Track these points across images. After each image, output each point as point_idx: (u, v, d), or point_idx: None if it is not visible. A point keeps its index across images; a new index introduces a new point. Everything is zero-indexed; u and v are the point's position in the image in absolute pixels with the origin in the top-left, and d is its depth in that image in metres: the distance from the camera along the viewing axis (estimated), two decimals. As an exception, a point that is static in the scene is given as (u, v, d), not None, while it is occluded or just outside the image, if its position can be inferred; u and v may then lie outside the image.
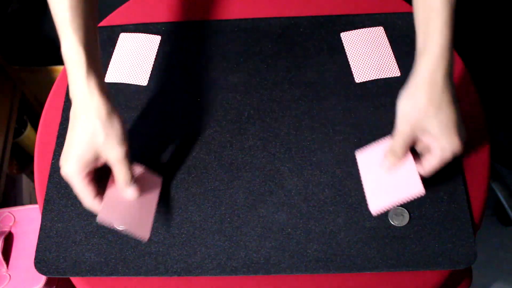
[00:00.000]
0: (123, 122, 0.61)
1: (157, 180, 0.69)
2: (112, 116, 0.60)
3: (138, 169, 0.66)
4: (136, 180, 0.63)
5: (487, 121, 0.74)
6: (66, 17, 0.59)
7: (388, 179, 0.64)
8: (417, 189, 0.61)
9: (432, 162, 0.60)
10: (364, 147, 0.68)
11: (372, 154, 0.67)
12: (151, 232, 0.64)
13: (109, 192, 0.62)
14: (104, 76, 0.61)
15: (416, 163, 0.62)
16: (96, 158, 0.60)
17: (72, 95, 0.60)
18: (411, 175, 0.62)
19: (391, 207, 0.63)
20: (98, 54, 0.62)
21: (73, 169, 0.59)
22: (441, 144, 0.57)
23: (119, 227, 0.62)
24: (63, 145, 0.73)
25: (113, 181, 0.63)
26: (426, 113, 0.57)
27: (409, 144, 0.61)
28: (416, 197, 0.62)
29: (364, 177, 0.66)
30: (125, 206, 0.63)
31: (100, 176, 0.63)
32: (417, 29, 0.60)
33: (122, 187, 0.62)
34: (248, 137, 0.73)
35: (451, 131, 0.57)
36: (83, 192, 0.61)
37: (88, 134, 0.59)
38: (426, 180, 0.67)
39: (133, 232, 0.63)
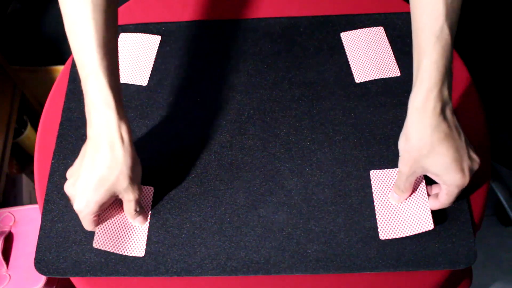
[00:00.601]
0: (139, 161, 0.62)
1: (148, 191, 0.69)
2: (137, 163, 0.61)
3: None
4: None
5: (487, 121, 0.74)
6: (94, 57, 0.56)
7: (400, 207, 0.65)
8: (428, 226, 0.63)
9: (442, 197, 0.61)
10: (379, 169, 0.68)
11: (387, 176, 0.68)
12: (145, 247, 0.66)
13: (103, 220, 0.64)
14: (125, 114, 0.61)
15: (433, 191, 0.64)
16: (112, 199, 0.61)
17: (95, 134, 0.58)
18: (423, 209, 0.64)
19: (400, 237, 0.64)
20: (122, 98, 0.60)
21: (89, 210, 0.60)
22: (443, 181, 0.58)
23: (113, 251, 0.64)
24: (63, 145, 0.73)
25: (109, 209, 0.65)
26: (420, 155, 0.57)
27: (412, 182, 0.62)
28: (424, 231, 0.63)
29: (377, 199, 0.67)
30: (118, 231, 0.65)
31: None
32: (413, 57, 0.59)
33: (132, 218, 0.65)
34: (248, 137, 0.73)
35: (450, 167, 0.56)
36: (88, 225, 0.63)
37: (113, 179, 0.58)
38: (425, 179, 0.67)
39: (128, 254, 0.65)
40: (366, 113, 0.73)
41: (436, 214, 0.65)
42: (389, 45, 0.79)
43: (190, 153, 0.72)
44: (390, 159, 0.69)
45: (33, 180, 0.76)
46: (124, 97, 0.77)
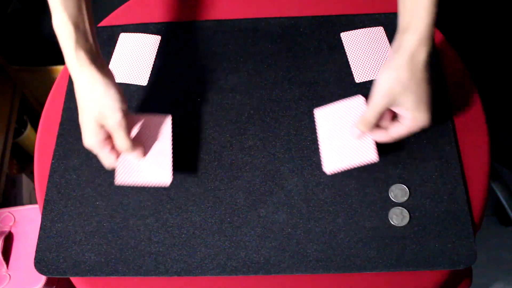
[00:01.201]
0: (118, 88, 0.63)
1: (166, 120, 0.69)
2: (104, 84, 0.62)
3: (142, 117, 0.68)
4: (143, 127, 0.66)
5: (487, 121, 0.73)
6: None
7: (344, 141, 0.66)
8: (372, 157, 0.64)
9: (400, 130, 0.62)
10: (324, 105, 0.69)
11: (331, 112, 0.68)
12: (172, 175, 0.66)
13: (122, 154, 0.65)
14: (97, 48, 0.64)
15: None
16: (102, 126, 0.63)
17: (68, 69, 0.63)
18: (367, 142, 0.65)
19: (345, 169, 0.65)
20: (87, 28, 0.63)
21: (91, 142, 0.63)
22: (413, 116, 0.61)
23: (139, 184, 0.64)
24: (63, 145, 0.74)
25: None
26: (406, 88, 0.60)
27: (381, 114, 0.63)
28: (369, 163, 0.65)
29: (321, 135, 0.67)
30: (138, 162, 0.65)
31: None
32: (401, 5, 0.62)
33: (124, 152, 0.65)
34: (248, 137, 0.73)
35: (425, 106, 0.60)
36: (107, 159, 0.64)
37: (87, 106, 0.62)
38: (425, 179, 0.67)
39: (154, 183, 0.65)
40: (366, 113, 0.73)
41: (436, 214, 0.65)
42: (389, 45, 0.79)
43: (190, 153, 0.72)
44: (390, 159, 0.69)
45: (33, 180, 0.76)
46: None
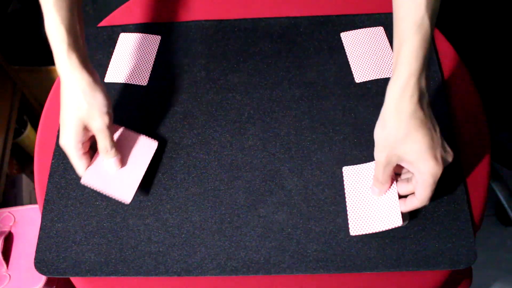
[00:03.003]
0: (107, 94, 0.65)
1: (152, 145, 0.70)
2: (94, 88, 0.64)
3: (132, 133, 0.70)
4: (129, 142, 0.68)
5: (487, 121, 0.74)
6: None
7: (371, 204, 0.65)
8: (397, 222, 0.62)
9: (418, 191, 0.59)
10: (352, 165, 0.68)
11: (359, 172, 0.67)
12: (134, 196, 0.67)
13: (99, 157, 0.67)
14: (86, 53, 0.66)
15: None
16: (85, 128, 0.64)
17: (58, 71, 0.64)
18: (393, 206, 0.63)
19: (369, 233, 0.64)
20: (78, 31, 0.65)
21: (67, 141, 0.64)
22: (418, 169, 0.58)
23: (102, 190, 0.66)
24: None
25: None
26: (396, 141, 0.57)
27: (390, 171, 0.61)
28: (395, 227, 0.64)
29: (348, 195, 0.66)
30: (111, 172, 0.67)
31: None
32: (393, 42, 0.59)
33: (103, 156, 0.66)
34: (248, 137, 0.73)
35: (424, 154, 0.56)
36: (77, 163, 0.66)
37: (74, 106, 0.63)
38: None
39: (115, 196, 0.66)
40: (366, 113, 0.73)
41: (436, 214, 0.65)
42: (389, 45, 0.79)
43: (190, 153, 0.72)
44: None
45: (33, 180, 0.77)
46: (124, 97, 0.77)
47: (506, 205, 1.22)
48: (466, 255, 0.63)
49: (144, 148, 0.69)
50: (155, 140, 0.70)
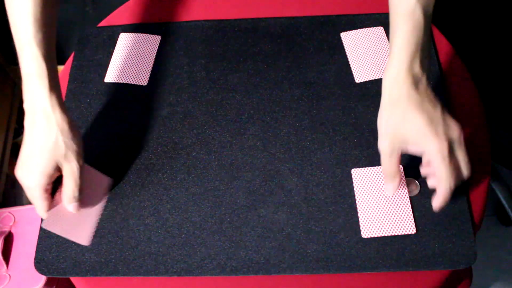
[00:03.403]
0: (82, 139, 0.64)
1: (106, 181, 0.69)
2: (73, 130, 0.62)
3: (88, 169, 0.68)
4: (86, 179, 0.65)
5: (487, 120, 0.74)
6: (29, 30, 0.60)
7: (383, 207, 0.65)
8: (410, 229, 0.64)
9: (436, 172, 0.57)
10: (361, 167, 0.69)
11: (369, 174, 0.68)
12: (92, 238, 0.67)
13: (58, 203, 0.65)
14: (61, 90, 0.65)
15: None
16: (56, 169, 0.62)
17: (30, 106, 0.61)
18: (405, 212, 0.64)
19: (381, 236, 0.64)
20: (57, 69, 0.64)
21: (36, 182, 0.61)
22: (423, 148, 0.57)
23: (61, 235, 0.66)
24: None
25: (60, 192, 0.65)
26: (395, 126, 0.58)
27: (397, 160, 0.60)
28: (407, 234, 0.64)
29: (359, 197, 0.67)
30: (69, 215, 0.65)
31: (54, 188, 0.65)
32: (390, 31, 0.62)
33: (66, 200, 0.63)
34: (248, 137, 0.73)
35: (425, 132, 0.56)
36: (40, 204, 0.63)
37: (50, 145, 0.61)
38: (425, 179, 0.67)
39: (74, 240, 0.66)
40: (366, 113, 0.73)
41: (436, 214, 0.65)
42: (389, 45, 0.79)
43: (190, 153, 0.72)
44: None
45: (33, 180, 0.76)
46: (124, 97, 0.77)
47: (506, 205, 1.22)
48: (466, 255, 0.63)
49: (100, 185, 0.69)
50: (110, 178, 0.70)
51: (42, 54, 0.60)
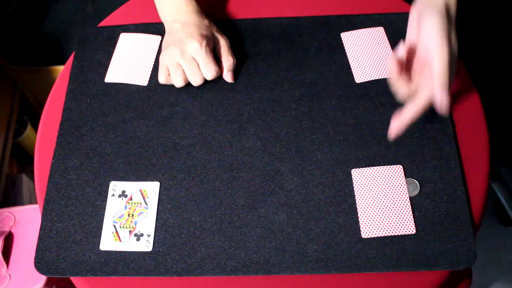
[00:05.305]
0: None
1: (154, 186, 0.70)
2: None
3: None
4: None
5: (487, 121, 0.74)
6: None
7: (382, 207, 0.66)
8: (410, 230, 0.64)
9: (430, 45, 0.62)
10: (361, 168, 0.69)
11: (368, 174, 0.68)
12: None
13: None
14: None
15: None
16: (212, 37, 0.75)
17: (169, 18, 0.77)
18: (405, 212, 0.65)
19: (381, 236, 0.65)
20: None
21: (199, 43, 0.73)
22: (424, 17, 0.63)
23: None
24: (63, 145, 0.74)
25: None
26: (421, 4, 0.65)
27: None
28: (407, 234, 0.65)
29: (358, 197, 0.67)
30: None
31: None
32: None
33: (226, 69, 0.76)
34: (248, 137, 0.73)
35: (440, 34, 0.62)
36: (211, 62, 0.73)
37: (207, 22, 0.77)
38: (425, 179, 0.67)
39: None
40: (366, 113, 0.73)
41: (436, 214, 0.65)
42: (389, 45, 0.79)
43: (190, 153, 0.72)
44: (390, 159, 0.69)
45: (33, 180, 0.76)
46: (124, 97, 0.77)
47: (506, 205, 1.22)
48: (466, 255, 0.63)
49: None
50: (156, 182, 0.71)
51: None
